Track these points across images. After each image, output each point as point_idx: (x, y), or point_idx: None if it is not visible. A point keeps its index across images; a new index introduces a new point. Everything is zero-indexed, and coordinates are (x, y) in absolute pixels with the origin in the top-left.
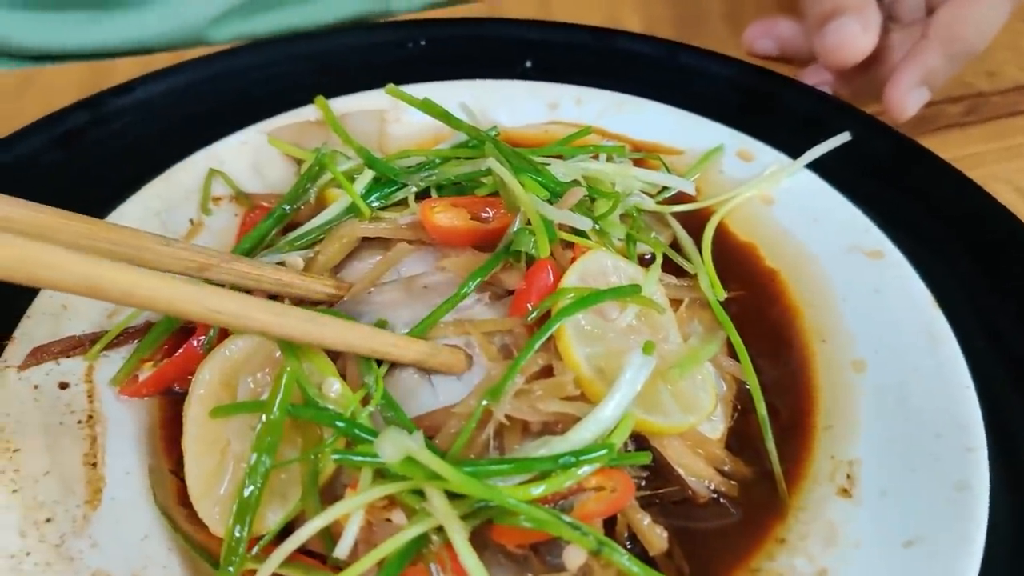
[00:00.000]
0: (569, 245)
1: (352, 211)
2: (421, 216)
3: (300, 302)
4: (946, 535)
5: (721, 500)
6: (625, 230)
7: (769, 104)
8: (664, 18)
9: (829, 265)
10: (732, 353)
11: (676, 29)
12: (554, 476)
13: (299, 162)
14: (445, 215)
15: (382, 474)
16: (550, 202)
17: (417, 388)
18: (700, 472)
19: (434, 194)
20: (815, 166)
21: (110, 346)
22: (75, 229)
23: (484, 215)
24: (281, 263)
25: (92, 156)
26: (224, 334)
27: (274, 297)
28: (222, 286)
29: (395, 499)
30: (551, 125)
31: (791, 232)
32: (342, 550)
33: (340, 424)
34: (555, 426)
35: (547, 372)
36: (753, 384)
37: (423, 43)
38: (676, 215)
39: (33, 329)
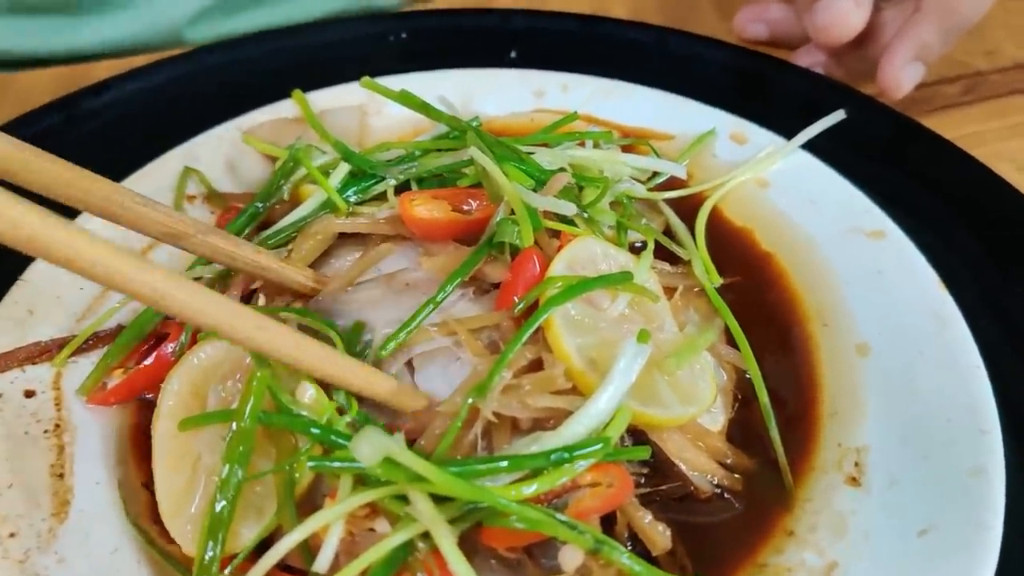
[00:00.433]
0: (556, 234)
1: (328, 207)
2: (400, 209)
3: (276, 291)
4: (961, 523)
5: (725, 494)
6: (615, 217)
7: (762, 87)
8: (652, 5)
9: (829, 247)
10: (731, 341)
11: (665, 16)
12: (546, 474)
13: (275, 160)
14: (425, 207)
15: (363, 481)
16: (535, 191)
17: None
18: (702, 466)
19: (414, 187)
20: (811, 148)
21: (78, 351)
22: (53, 173)
23: (466, 207)
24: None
25: (65, 157)
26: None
27: (247, 297)
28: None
29: (377, 507)
30: (537, 113)
31: (788, 215)
32: (322, 564)
33: (315, 431)
34: (546, 423)
35: (536, 366)
36: (754, 372)
37: (404, 36)
38: (668, 201)
39: None
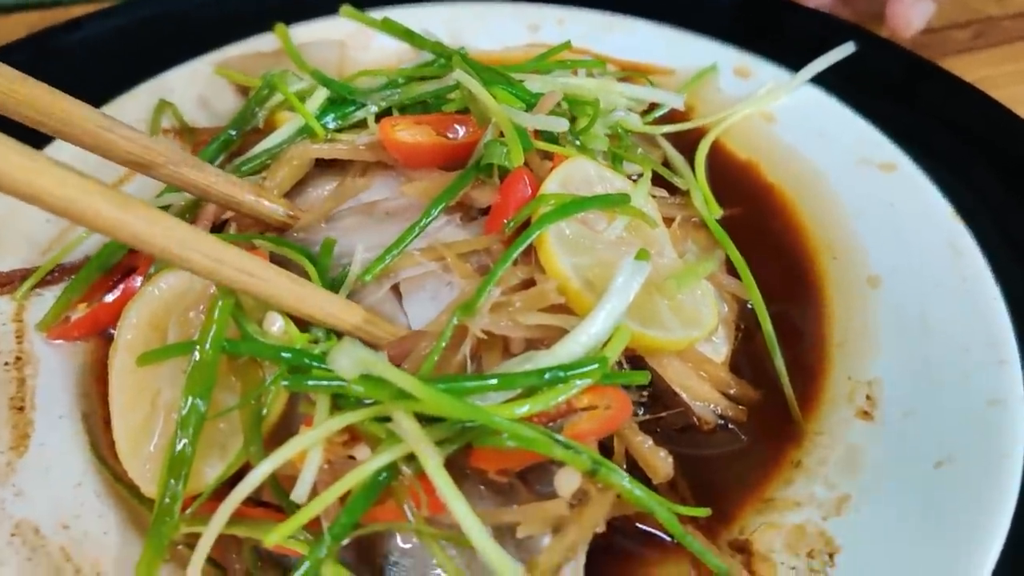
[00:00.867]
0: (548, 156)
1: (305, 133)
2: (381, 134)
3: (250, 224)
4: (981, 453)
5: (729, 425)
6: (606, 142)
7: (769, 26)
8: None
9: (838, 180)
10: (732, 274)
11: None
12: (540, 393)
13: (248, 93)
14: (408, 132)
15: (339, 407)
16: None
17: (385, 314)
18: (705, 395)
19: (396, 114)
20: (820, 86)
21: (41, 284)
22: (31, 95)
23: (451, 134)
24: None
25: None
26: None
27: (219, 227)
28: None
29: (357, 432)
30: (531, 47)
31: (795, 148)
32: (300, 493)
33: (286, 355)
34: (539, 344)
35: (528, 287)
36: (756, 300)
37: None
38: (668, 136)
39: None
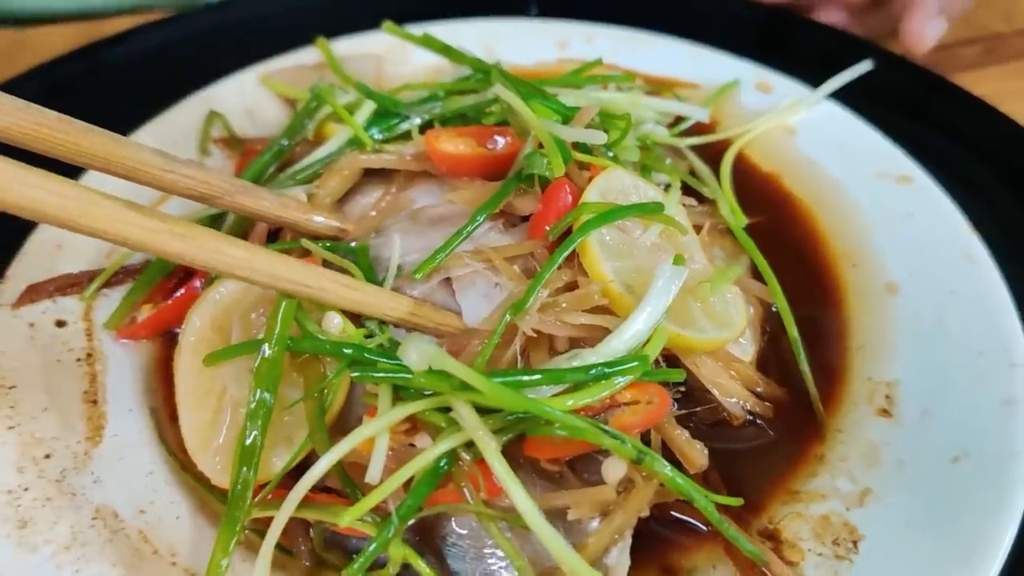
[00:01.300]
0: (585, 166)
1: (353, 144)
2: (426, 145)
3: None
4: (995, 449)
5: (757, 421)
6: (638, 154)
7: (786, 42)
8: None
9: (857, 191)
10: (757, 279)
11: None
12: (587, 388)
13: (293, 106)
14: (451, 143)
15: (400, 398)
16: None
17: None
18: (734, 392)
19: (438, 126)
20: (837, 101)
21: (107, 284)
22: (95, 143)
23: (491, 145)
24: None
25: (88, 103)
26: None
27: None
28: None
29: (418, 422)
30: (562, 63)
31: (816, 160)
32: (373, 474)
33: (347, 351)
34: (582, 342)
35: (572, 289)
36: (781, 304)
37: None
38: (694, 149)
39: (27, 268)
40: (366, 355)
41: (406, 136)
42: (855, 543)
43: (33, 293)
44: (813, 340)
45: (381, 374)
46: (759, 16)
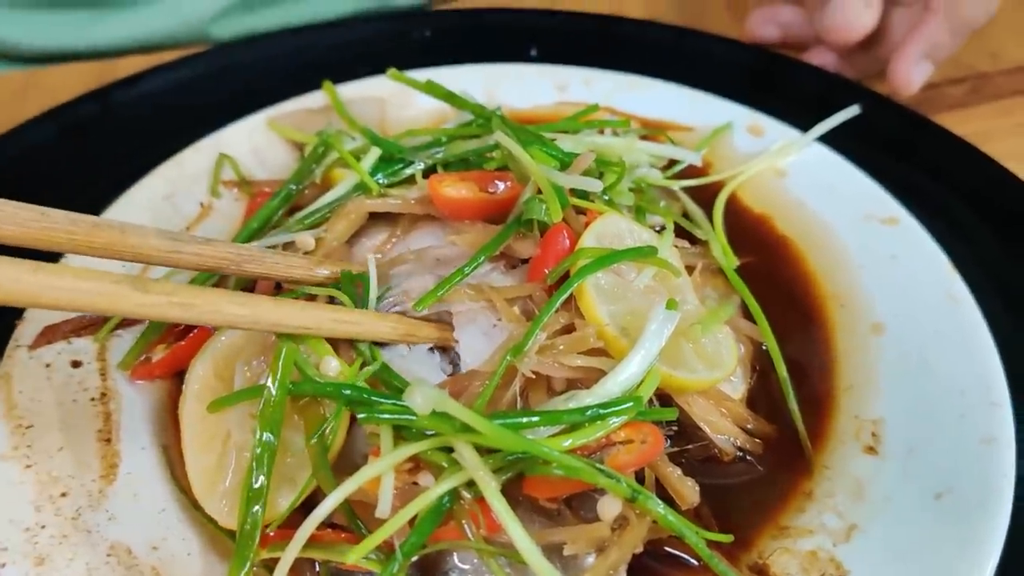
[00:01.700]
0: (581, 212)
1: (359, 189)
2: (429, 190)
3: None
4: (976, 486)
5: (747, 457)
6: (633, 198)
7: (777, 84)
8: (665, 7)
9: (845, 233)
10: (748, 318)
11: (679, 17)
12: (583, 428)
13: (300, 149)
14: (454, 188)
15: (402, 437)
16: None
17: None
18: (725, 429)
19: (441, 171)
20: (825, 143)
21: (120, 326)
22: (109, 238)
23: (492, 189)
24: (291, 242)
25: (100, 146)
26: None
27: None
28: None
29: (421, 461)
30: (560, 106)
31: (805, 202)
32: (384, 508)
33: (347, 392)
34: (579, 383)
35: (569, 331)
36: (771, 343)
37: (427, 34)
38: (687, 190)
39: (44, 310)
40: (368, 396)
41: (410, 180)
42: None
43: (49, 334)
44: (801, 378)
45: (386, 415)
46: (752, 58)
